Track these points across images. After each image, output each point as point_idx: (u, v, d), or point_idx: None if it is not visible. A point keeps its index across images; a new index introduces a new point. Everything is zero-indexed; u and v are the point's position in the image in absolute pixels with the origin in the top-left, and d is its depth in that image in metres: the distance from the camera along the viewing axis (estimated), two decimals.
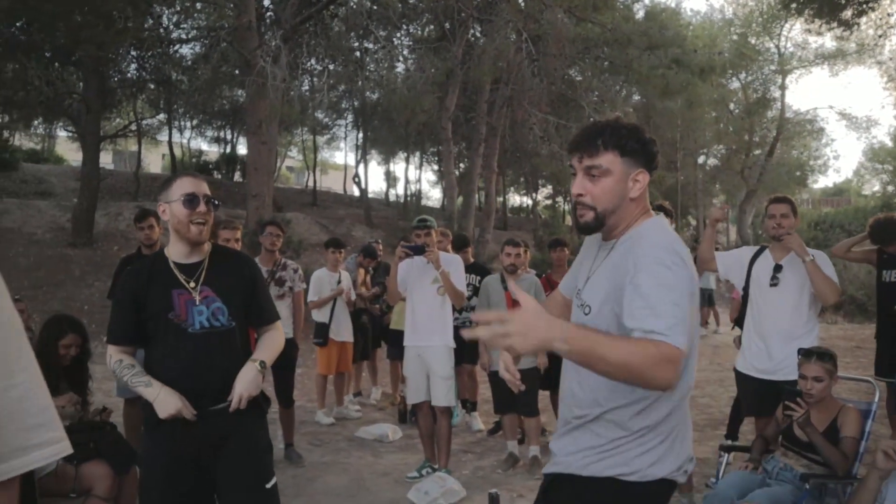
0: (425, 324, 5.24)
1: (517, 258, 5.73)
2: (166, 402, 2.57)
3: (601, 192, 1.94)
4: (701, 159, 33.30)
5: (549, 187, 34.25)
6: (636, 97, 26.00)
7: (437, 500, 4.78)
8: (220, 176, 31.04)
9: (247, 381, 2.66)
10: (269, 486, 2.73)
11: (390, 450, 6.31)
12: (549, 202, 37.98)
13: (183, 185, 2.66)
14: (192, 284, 2.68)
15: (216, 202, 2.72)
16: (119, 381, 5.30)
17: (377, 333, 8.18)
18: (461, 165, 26.63)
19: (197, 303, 2.66)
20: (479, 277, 6.53)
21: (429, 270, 5.23)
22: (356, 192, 32.22)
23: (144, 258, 3.36)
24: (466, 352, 6.38)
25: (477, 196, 21.81)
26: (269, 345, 2.85)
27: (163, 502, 2.64)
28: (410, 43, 20.24)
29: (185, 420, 2.59)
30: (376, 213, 26.10)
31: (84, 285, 13.86)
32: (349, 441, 6.57)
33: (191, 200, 2.63)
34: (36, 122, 24.84)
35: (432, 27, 20.60)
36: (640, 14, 23.30)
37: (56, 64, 16.19)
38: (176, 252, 2.74)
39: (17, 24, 15.11)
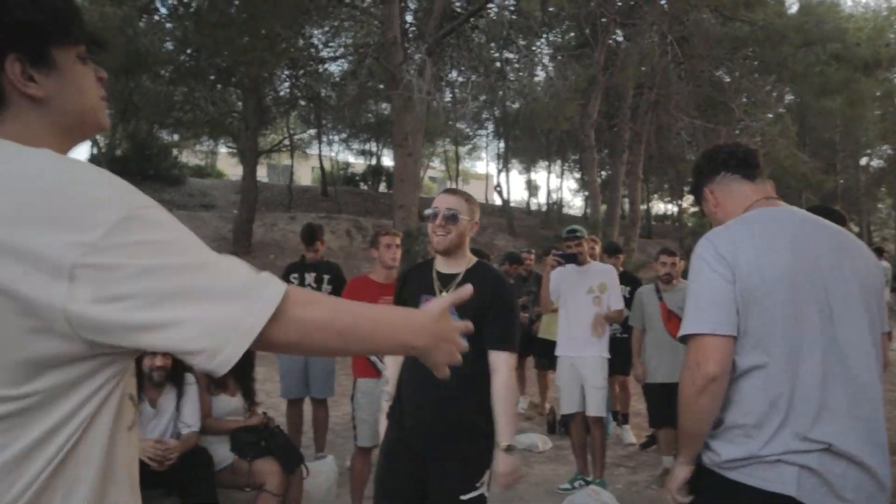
0: (580, 334, 5.19)
1: (672, 267, 5.57)
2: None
3: None
4: (864, 161, 31.12)
5: None
6: (790, 97, 24.64)
7: None
8: (366, 187, 32.18)
9: (509, 469, 2.76)
10: (465, 497, 2.75)
11: (540, 460, 6.28)
12: (695, 209, 36.60)
13: (434, 202, 2.88)
14: (444, 294, 2.76)
15: (457, 215, 2.83)
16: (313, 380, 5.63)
17: (524, 342, 8.11)
18: (603, 173, 26.18)
19: None
20: (629, 288, 6.39)
21: (583, 280, 5.18)
22: (498, 201, 32.44)
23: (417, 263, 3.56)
24: (619, 363, 6.25)
25: (620, 204, 21.37)
26: (508, 410, 2.79)
27: (382, 484, 2.86)
28: (551, 51, 20.18)
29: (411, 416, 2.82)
30: (518, 222, 26.12)
31: None
32: None
33: (429, 215, 2.85)
34: (202, 140, 26.83)
35: (573, 34, 20.44)
36: (794, 8, 22.14)
37: (218, 86, 17.43)
38: (438, 260, 2.93)
39: (187, 52, 16.40)
